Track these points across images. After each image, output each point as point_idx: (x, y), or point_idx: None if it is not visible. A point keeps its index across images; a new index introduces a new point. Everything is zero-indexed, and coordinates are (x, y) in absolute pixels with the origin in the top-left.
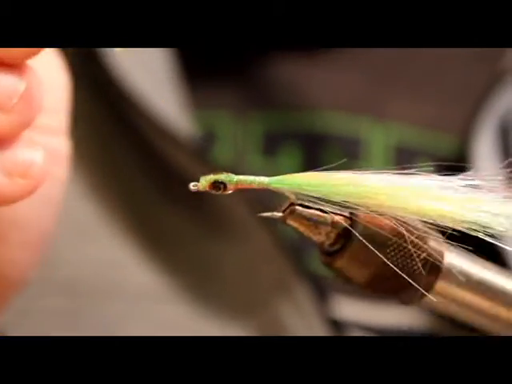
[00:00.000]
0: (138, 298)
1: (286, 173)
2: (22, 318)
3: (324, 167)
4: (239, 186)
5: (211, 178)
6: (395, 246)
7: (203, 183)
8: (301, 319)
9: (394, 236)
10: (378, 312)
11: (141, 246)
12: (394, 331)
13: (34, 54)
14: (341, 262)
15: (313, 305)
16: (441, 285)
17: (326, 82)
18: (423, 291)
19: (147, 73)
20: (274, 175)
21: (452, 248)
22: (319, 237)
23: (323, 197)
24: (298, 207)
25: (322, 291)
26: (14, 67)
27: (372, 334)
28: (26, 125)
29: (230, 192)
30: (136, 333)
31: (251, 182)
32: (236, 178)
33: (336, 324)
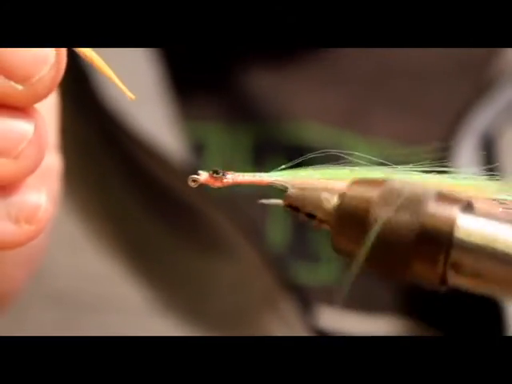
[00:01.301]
0: (126, 312)
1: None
2: (11, 330)
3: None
4: (238, 180)
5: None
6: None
7: (203, 174)
8: (287, 330)
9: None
10: (364, 322)
11: (129, 261)
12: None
13: (44, 96)
14: (337, 240)
15: (298, 316)
16: (454, 257)
17: (311, 94)
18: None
19: (134, 88)
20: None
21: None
22: (321, 216)
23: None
24: (294, 190)
25: (307, 302)
26: (22, 111)
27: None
28: (33, 169)
29: (228, 183)
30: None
31: (250, 177)
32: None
33: (322, 334)
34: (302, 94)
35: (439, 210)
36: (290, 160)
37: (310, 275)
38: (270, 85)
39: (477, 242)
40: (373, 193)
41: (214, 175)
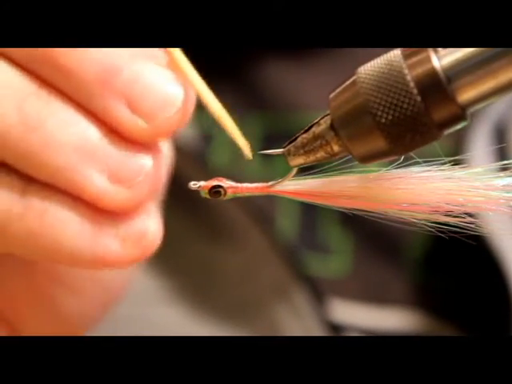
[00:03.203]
0: (134, 301)
1: (282, 175)
2: None
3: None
4: (238, 192)
5: (210, 184)
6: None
7: (203, 190)
8: (298, 322)
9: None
10: (375, 315)
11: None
12: (391, 334)
13: (166, 136)
14: (349, 145)
15: (310, 307)
16: (457, 83)
17: (322, 84)
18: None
19: None
20: (270, 177)
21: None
22: (324, 153)
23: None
24: (288, 147)
25: (319, 294)
26: (144, 144)
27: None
28: (147, 200)
29: (229, 198)
30: (133, 334)
31: (250, 189)
32: (236, 184)
33: (333, 327)
34: (312, 85)
35: (416, 60)
36: None
37: (321, 267)
38: (280, 75)
39: (462, 57)
40: (353, 89)
41: (214, 194)
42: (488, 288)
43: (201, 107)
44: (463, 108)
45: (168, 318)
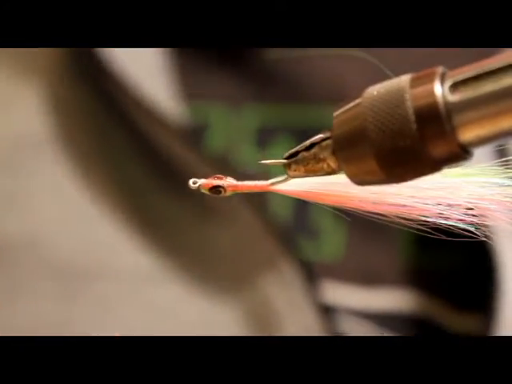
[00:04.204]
0: (129, 279)
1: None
2: (15, 297)
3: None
4: (238, 190)
5: (210, 183)
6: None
7: (203, 188)
8: (289, 300)
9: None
10: (369, 296)
11: (133, 228)
12: (383, 315)
13: None
14: (344, 167)
15: (302, 286)
16: (457, 118)
17: (320, 75)
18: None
19: (141, 64)
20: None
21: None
22: (324, 171)
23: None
24: (289, 161)
25: (311, 276)
26: None
27: (361, 319)
28: None
29: (229, 195)
30: (127, 313)
31: (250, 187)
32: (235, 183)
33: (325, 308)
34: (312, 75)
35: (421, 90)
36: (297, 141)
37: (314, 250)
38: (278, 65)
39: (469, 95)
40: (355, 110)
41: (214, 192)
42: (480, 266)
43: (194, 96)
44: (463, 147)
45: (162, 295)
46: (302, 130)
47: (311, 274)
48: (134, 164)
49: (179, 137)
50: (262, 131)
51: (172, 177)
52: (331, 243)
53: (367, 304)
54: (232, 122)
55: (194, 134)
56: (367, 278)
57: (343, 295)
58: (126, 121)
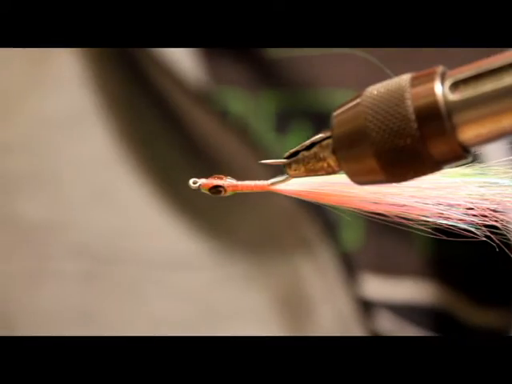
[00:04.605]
0: (153, 264)
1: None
2: (37, 278)
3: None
4: (238, 189)
5: (210, 182)
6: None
7: (203, 187)
8: (320, 280)
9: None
10: (388, 286)
11: (160, 212)
12: (403, 306)
13: None
14: (344, 167)
15: (336, 273)
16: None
17: (337, 61)
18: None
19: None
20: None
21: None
22: (324, 171)
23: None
24: (289, 160)
25: (349, 265)
26: None
27: (389, 310)
28: None
29: (229, 195)
30: (150, 298)
31: (250, 187)
32: (235, 182)
33: (362, 301)
34: (327, 61)
35: (421, 89)
36: (315, 127)
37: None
38: (295, 51)
39: (469, 94)
40: (355, 109)
41: (214, 192)
42: (499, 259)
43: (214, 82)
44: (463, 146)
45: (189, 281)
46: (320, 114)
47: (349, 263)
48: (170, 147)
49: (211, 116)
50: (279, 117)
51: (205, 159)
52: (350, 234)
53: (387, 294)
54: (250, 108)
55: (224, 116)
56: (387, 268)
57: (374, 286)
58: (159, 100)
